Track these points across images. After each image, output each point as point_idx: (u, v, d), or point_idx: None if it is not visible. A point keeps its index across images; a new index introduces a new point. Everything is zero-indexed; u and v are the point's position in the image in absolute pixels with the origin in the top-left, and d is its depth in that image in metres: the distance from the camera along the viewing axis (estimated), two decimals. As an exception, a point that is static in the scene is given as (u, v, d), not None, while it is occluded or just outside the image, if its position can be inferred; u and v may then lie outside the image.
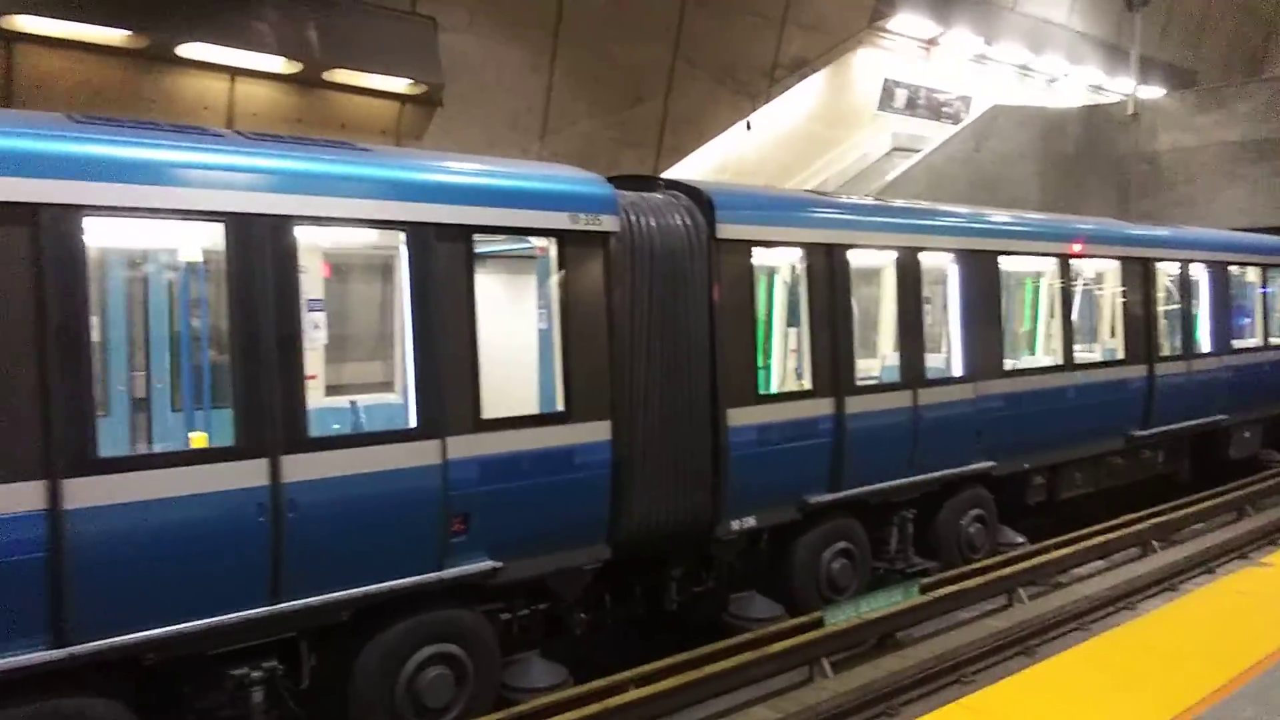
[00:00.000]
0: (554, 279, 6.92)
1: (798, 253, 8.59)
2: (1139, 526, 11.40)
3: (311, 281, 6.29)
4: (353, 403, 7.37)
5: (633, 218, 7.30)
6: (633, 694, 6.61)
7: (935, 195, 13.40)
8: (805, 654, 7.51)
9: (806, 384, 8.58)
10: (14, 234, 4.76)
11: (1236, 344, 14.42)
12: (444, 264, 6.25)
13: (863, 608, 8.14)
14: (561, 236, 6.85)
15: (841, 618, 7.94)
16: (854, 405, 8.73)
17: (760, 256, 8.37)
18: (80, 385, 4.95)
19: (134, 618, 5.07)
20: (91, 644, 4.91)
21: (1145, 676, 5.19)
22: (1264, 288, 15.54)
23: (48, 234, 4.83)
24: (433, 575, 6.14)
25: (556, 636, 7.30)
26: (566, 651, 7.31)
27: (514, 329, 7.15)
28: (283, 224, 5.63)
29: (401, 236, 6.16)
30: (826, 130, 26.11)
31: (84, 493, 4.88)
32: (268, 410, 5.50)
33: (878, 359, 9.88)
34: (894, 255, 9.37)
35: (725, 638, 7.65)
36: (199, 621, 5.24)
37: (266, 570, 5.47)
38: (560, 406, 6.87)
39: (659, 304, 7.40)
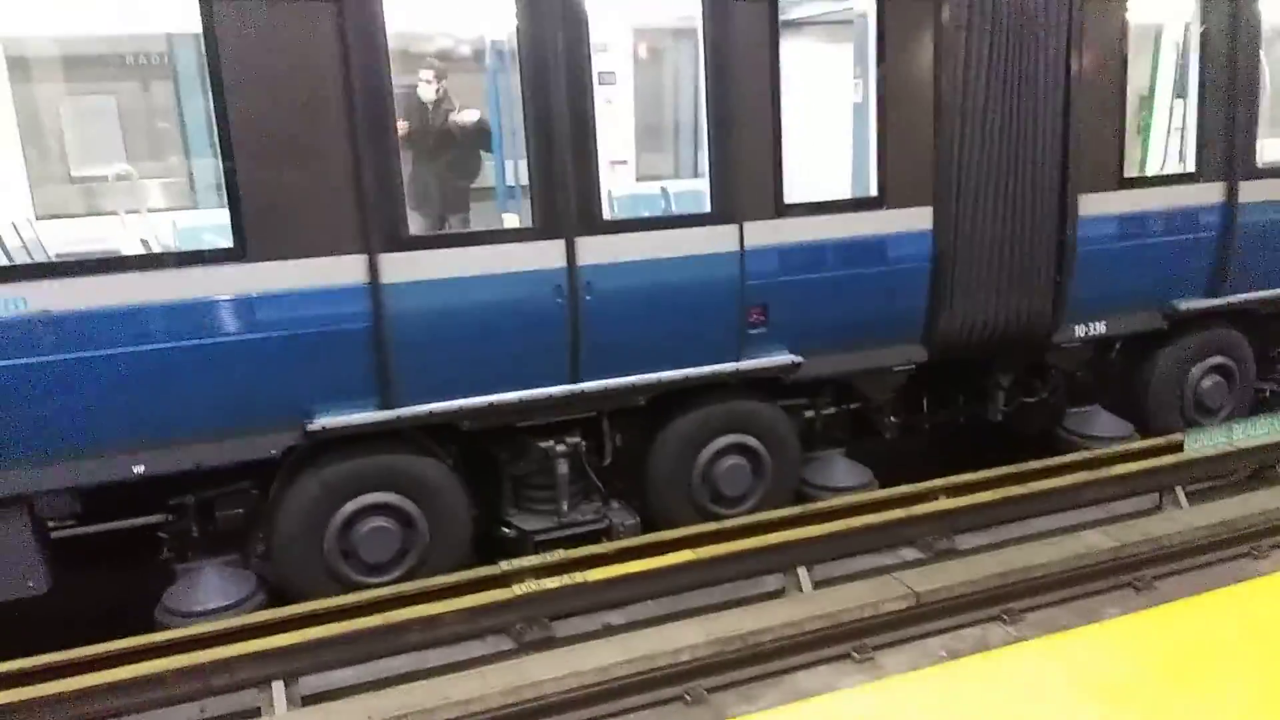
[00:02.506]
0: (872, 42, 6.08)
1: (1191, -2, 6.89)
2: None
3: (605, 55, 6.00)
4: (658, 188, 7.18)
5: None
6: (943, 503, 6.19)
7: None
8: (1156, 480, 6.64)
9: (1188, 166, 7.10)
10: None
11: None
12: (745, 30, 5.66)
13: (1235, 434, 6.95)
14: None
15: (1207, 443, 6.84)
16: (1251, 193, 7.14)
17: (1142, 4, 6.79)
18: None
19: (449, 387, 5.42)
20: (414, 408, 5.34)
21: None
22: None
23: None
24: (728, 365, 5.99)
25: (865, 438, 6.96)
26: (875, 455, 6.97)
27: (823, 104, 6.44)
28: None
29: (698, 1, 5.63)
30: None
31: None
32: (562, 190, 5.43)
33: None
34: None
35: (1058, 454, 6.90)
36: (505, 395, 5.52)
37: (566, 351, 5.57)
38: (873, 191, 6.20)
39: (1002, 69, 6.28)
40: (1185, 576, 5.80)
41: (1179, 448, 6.86)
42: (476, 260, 5.36)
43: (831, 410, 6.68)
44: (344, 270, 5.09)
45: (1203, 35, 6.95)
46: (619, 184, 6.49)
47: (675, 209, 6.27)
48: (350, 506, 5.43)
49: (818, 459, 6.75)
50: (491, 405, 5.53)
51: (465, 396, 5.48)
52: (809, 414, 6.60)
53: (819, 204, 6.10)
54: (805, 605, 5.32)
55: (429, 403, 5.40)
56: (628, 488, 6.25)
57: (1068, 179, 6.61)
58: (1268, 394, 8.02)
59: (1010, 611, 5.41)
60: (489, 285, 5.38)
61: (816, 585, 5.64)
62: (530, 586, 5.21)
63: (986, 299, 6.58)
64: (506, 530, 5.96)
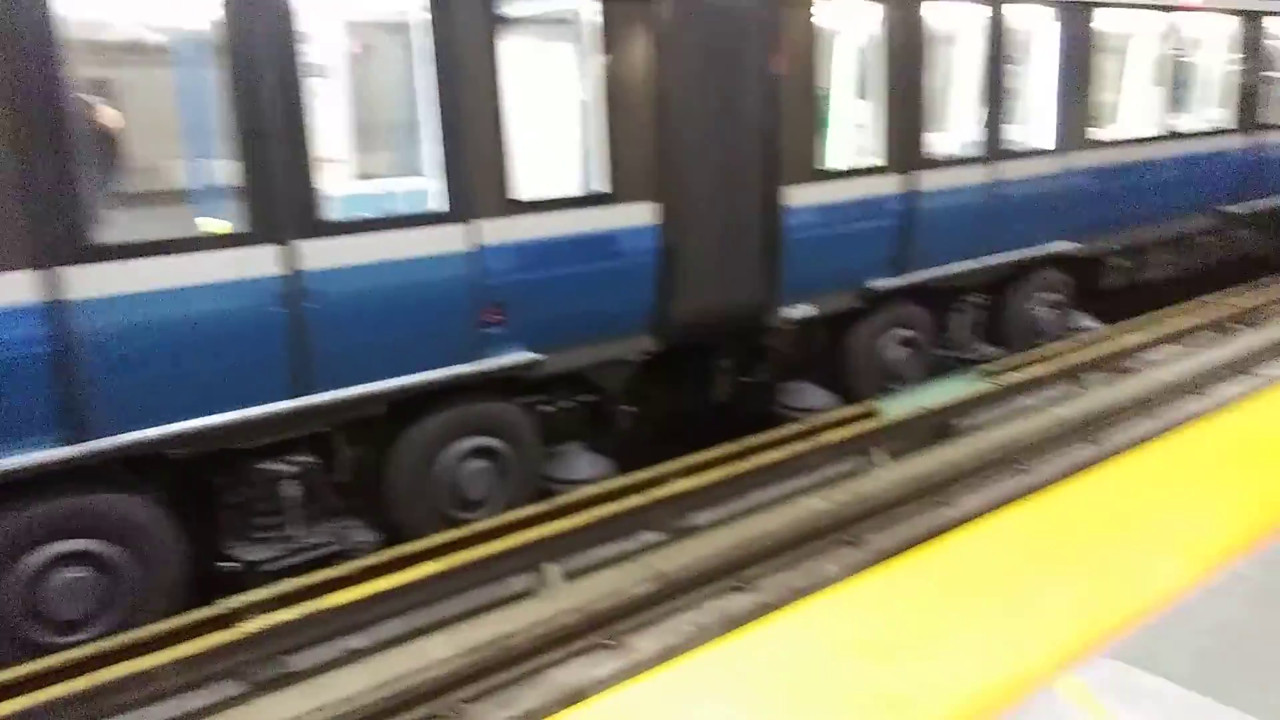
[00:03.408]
0: (594, 45, 6.14)
1: (870, 7, 7.58)
2: (1218, 310, 10.76)
3: (318, 49, 5.62)
4: (382, 187, 6.84)
5: None
6: (679, 485, 6.43)
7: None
8: (859, 444, 7.27)
9: (874, 159, 7.82)
10: None
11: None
12: (467, 28, 5.51)
13: (922, 397, 7.80)
14: None
15: (899, 407, 7.61)
16: (925, 182, 7.99)
17: (827, 13, 7.39)
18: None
19: (153, 413, 4.85)
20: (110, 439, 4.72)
21: (1234, 473, 4.76)
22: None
23: None
24: (467, 367, 5.85)
25: (602, 429, 7.07)
26: (613, 444, 7.11)
27: (553, 101, 6.44)
28: None
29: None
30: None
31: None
32: (277, 192, 5.00)
33: (953, 130, 9.01)
34: (979, 9, 8.28)
35: (777, 428, 7.38)
36: (220, 417, 5.03)
37: (288, 364, 5.17)
38: (603, 188, 6.28)
39: (713, 72, 6.60)
40: (890, 529, 6.44)
41: (877, 413, 7.59)
42: (180, 270, 4.82)
43: (569, 404, 6.71)
44: (12, 288, 4.38)
45: (881, 40, 7.66)
46: (338, 183, 6.11)
47: (400, 208, 6.01)
48: (34, 559, 4.72)
49: (559, 454, 6.77)
50: (205, 429, 5.02)
51: (173, 421, 4.92)
52: (548, 409, 6.59)
53: (552, 201, 6.08)
54: (556, 600, 5.36)
55: (128, 432, 4.80)
56: (366, 504, 5.93)
57: (773, 173, 7.07)
58: (945, 360, 9.02)
59: (747, 579, 5.75)
60: (195, 296, 4.86)
61: (566, 578, 5.67)
62: (261, 623, 4.80)
63: (709, 288, 6.90)
64: (231, 564, 5.44)
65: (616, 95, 6.21)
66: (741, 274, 7.08)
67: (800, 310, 7.52)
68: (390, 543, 5.78)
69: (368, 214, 5.74)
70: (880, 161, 7.79)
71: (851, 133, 8.24)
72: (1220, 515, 4.33)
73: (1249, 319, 10.94)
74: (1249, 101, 11.28)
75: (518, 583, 5.67)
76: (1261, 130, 11.47)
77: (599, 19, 6.09)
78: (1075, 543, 4.15)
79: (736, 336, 7.50)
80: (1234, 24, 10.97)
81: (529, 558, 5.67)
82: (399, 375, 5.59)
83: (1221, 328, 10.60)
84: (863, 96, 7.97)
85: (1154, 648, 3.35)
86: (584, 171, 6.45)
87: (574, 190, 6.41)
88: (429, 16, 5.42)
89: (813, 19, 7.20)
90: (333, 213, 5.42)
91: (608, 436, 7.06)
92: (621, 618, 5.31)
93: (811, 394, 8.17)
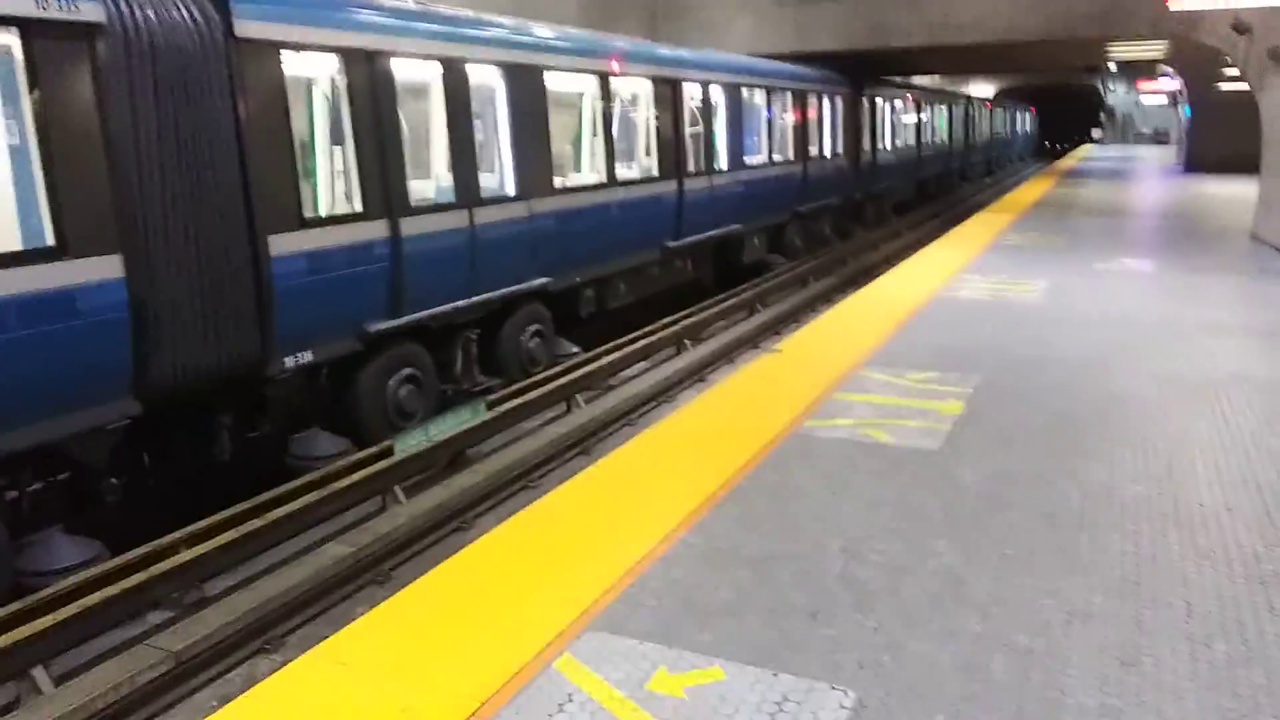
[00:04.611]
0: (21, 82, 5.55)
1: (334, 60, 7.81)
2: (674, 329, 12.70)
3: None
4: None
5: (122, 9, 6.04)
6: (185, 555, 6.03)
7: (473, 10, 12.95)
8: (376, 484, 7.41)
9: (356, 206, 8.04)
10: None
11: (747, 160, 16.22)
12: None
13: (432, 431, 8.15)
14: (25, 27, 5.47)
15: (411, 443, 7.89)
16: (409, 227, 8.39)
17: (293, 62, 7.47)
18: None
19: None
20: None
21: (685, 461, 5.79)
22: (768, 110, 17.53)
23: None
24: None
25: (87, 508, 6.37)
26: (104, 523, 6.43)
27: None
28: None
29: None
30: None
31: None
32: None
33: (431, 179, 9.57)
34: (440, 67, 8.93)
35: (290, 480, 7.24)
36: None
37: None
38: (50, 240, 5.68)
39: (170, 118, 6.32)
40: (415, 561, 6.68)
41: (390, 452, 7.79)
42: None
43: (39, 485, 5.95)
44: None
45: (354, 92, 7.91)
46: None
47: None
48: None
49: (32, 543, 5.95)
50: None
51: None
52: (11, 495, 5.78)
53: None
54: (48, 708, 4.74)
55: None
56: None
57: (256, 221, 6.96)
58: (449, 394, 9.51)
59: (273, 639, 5.60)
60: None
61: (59, 681, 5.05)
62: None
63: (194, 343, 6.56)
64: None
65: (55, 139, 5.67)
66: (228, 325, 6.84)
67: (298, 358, 7.47)
68: None
69: None
70: (365, 208, 8.02)
71: (334, 181, 8.38)
72: (674, 496, 5.25)
73: (697, 335, 13.09)
74: (677, 153, 13.54)
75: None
76: (688, 177, 13.83)
77: (21, 55, 5.52)
78: (567, 539, 4.75)
79: (232, 390, 7.22)
80: (659, 87, 13.10)
81: (8, 666, 4.95)
82: None
83: (677, 344, 12.56)
84: (342, 145, 8.15)
85: (623, 614, 4.01)
86: (24, 224, 5.78)
87: (11, 245, 5.71)
88: None
89: (281, 66, 7.23)
90: None
91: (94, 514, 6.37)
92: (133, 709, 4.88)
93: (322, 441, 8.11)
